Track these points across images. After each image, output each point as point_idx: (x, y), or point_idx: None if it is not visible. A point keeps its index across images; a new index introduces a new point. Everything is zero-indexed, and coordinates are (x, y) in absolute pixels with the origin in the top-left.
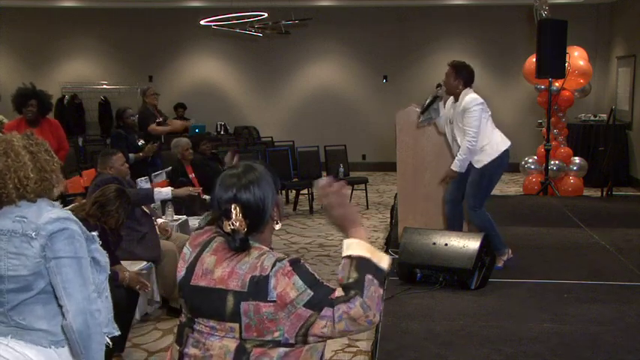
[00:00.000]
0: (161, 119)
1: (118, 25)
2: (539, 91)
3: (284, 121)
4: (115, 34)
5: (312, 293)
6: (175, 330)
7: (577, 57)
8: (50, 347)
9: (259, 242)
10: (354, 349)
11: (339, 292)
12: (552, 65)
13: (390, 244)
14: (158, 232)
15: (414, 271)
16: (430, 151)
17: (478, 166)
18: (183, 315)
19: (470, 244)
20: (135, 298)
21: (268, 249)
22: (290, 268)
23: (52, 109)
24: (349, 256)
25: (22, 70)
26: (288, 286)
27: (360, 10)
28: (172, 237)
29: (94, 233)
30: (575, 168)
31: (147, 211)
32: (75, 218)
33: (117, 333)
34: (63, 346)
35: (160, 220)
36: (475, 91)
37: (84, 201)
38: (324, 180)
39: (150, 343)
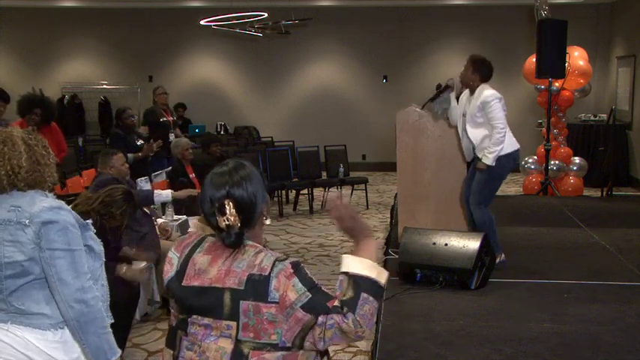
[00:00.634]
0: (169, 119)
1: (118, 25)
2: (539, 91)
3: (284, 121)
4: (115, 34)
5: (311, 296)
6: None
7: (577, 57)
8: (49, 330)
9: (252, 239)
10: (354, 349)
11: (337, 302)
12: (552, 65)
13: (390, 244)
14: (158, 232)
15: (414, 271)
16: (430, 151)
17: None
18: (173, 318)
19: (470, 244)
20: (135, 298)
21: (263, 247)
22: (292, 271)
23: (55, 114)
24: (347, 273)
25: (22, 70)
26: (288, 288)
27: (360, 10)
28: (172, 237)
29: (89, 221)
30: (575, 168)
31: (147, 211)
32: (68, 207)
33: (110, 321)
34: (62, 328)
35: (160, 221)
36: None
37: (90, 194)
38: (334, 193)
39: (150, 343)
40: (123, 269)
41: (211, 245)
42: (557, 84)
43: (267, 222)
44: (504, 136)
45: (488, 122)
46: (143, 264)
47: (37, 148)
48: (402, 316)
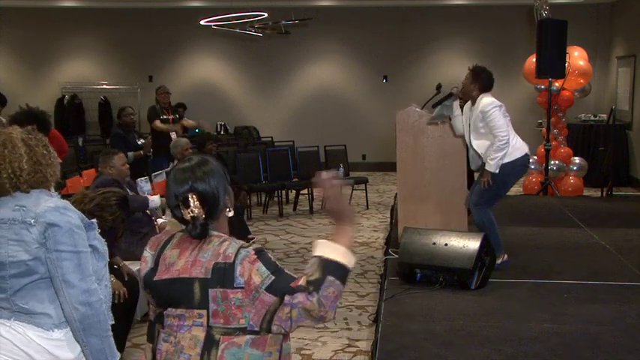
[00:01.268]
0: (169, 117)
1: (118, 25)
2: (539, 91)
3: (284, 121)
4: (115, 34)
5: (274, 278)
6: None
7: (577, 57)
8: (53, 330)
9: (217, 229)
10: (354, 349)
11: (301, 282)
12: (552, 65)
13: (390, 244)
14: (158, 232)
15: (414, 271)
16: (430, 151)
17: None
18: (152, 313)
19: (470, 244)
20: (135, 298)
21: (228, 236)
22: (255, 257)
23: (50, 126)
24: (318, 257)
25: (22, 70)
26: (253, 273)
27: (360, 10)
28: None
29: (93, 220)
30: (575, 168)
31: (147, 211)
32: (73, 208)
33: (111, 322)
34: (65, 327)
35: (160, 220)
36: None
37: (87, 193)
38: (326, 173)
39: None
40: (120, 262)
41: (180, 239)
42: (557, 84)
43: (230, 214)
44: (506, 143)
45: (490, 131)
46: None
47: (38, 148)
48: (402, 316)
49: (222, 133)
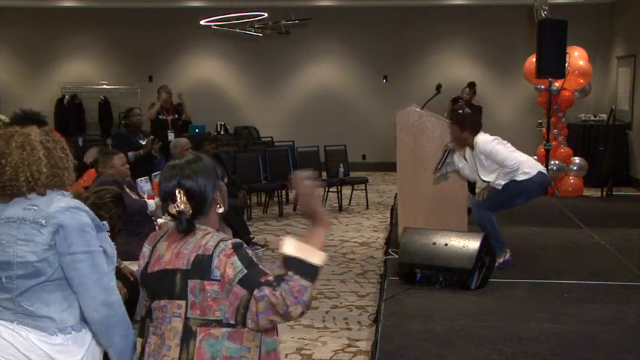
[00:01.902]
0: (167, 118)
1: (118, 25)
2: (539, 91)
3: (284, 121)
4: (115, 34)
5: (246, 272)
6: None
7: (577, 57)
8: (56, 334)
9: (206, 224)
10: (354, 349)
11: (271, 277)
12: (552, 65)
13: (390, 244)
14: None
15: (414, 271)
16: (430, 151)
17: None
18: (143, 309)
19: (470, 244)
20: (135, 298)
21: (213, 230)
22: (232, 250)
23: (46, 125)
24: (283, 254)
25: (22, 70)
26: (228, 266)
27: (360, 10)
28: None
29: (104, 222)
30: (575, 168)
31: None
32: (85, 207)
33: None
34: (69, 333)
35: (160, 220)
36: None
37: (81, 192)
38: (303, 173)
39: None
40: (121, 264)
41: (170, 233)
42: (557, 84)
43: (220, 210)
44: (516, 170)
45: (499, 165)
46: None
47: (56, 151)
48: (402, 316)
49: (222, 133)
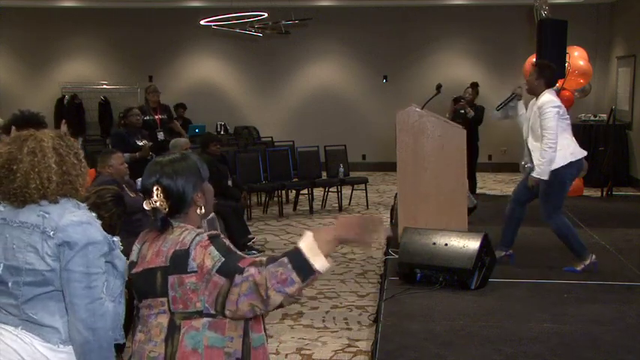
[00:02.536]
0: (156, 117)
1: (118, 25)
2: None
3: (284, 121)
4: (115, 34)
5: (224, 260)
6: None
7: (577, 57)
8: (58, 345)
9: (185, 222)
10: (354, 349)
11: (252, 260)
12: None
13: (390, 244)
14: None
15: (414, 271)
16: (430, 151)
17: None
18: (135, 309)
19: (470, 244)
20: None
21: (192, 227)
22: (208, 241)
23: (45, 126)
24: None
25: (22, 70)
26: (205, 256)
27: (360, 10)
28: None
29: (116, 239)
30: None
31: None
32: (97, 223)
33: (122, 341)
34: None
35: None
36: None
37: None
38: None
39: None
40: None
41: (152, 233)
42: (557, 84)
43: (199, 211)
44: (553, 147)
45: (542, 132)
46: None
47: (69, 157)
48: (402, 316)
49: (222, 133)
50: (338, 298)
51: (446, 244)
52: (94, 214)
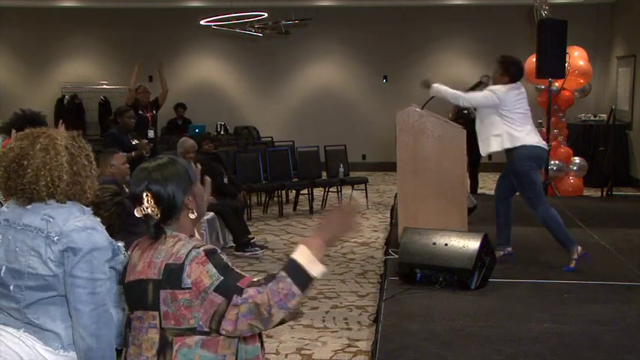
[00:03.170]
0: (147, 114)
1: (118, 25)
2: (539, 91)
3: (284, 121)
4: (115, 34)
5: (222, 278)
6: None
7: (577, 57)
8: (59, 350)
9: (177, 230)
10: (354, 349)
11: (250, 280)
12: (552, 65)
13: (390, 244)
14: None
15: (414, 271)
16: (430, 151)
17: (483, 151)
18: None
19: (470, 244)
20: None
21: (185, 236)
22: (205, 258)
23: (45, 125)
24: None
25: (22, 70)
26: (202, 274)
27: (360, 10)
28: None
29: (120, 244)
30: (575, 168)
31: None
32: (102, 228)
33: (118, 347)
34: (74, 350)
35: None
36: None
37: None
38: (352, 206)
39: None
40: None
41: (143, 241)
42: (557, 84)
43: (192, 216)
44: (456, 101)
45: (497, 114)
46: None
47: (80, 158)
48: (402, 316)
49: (222, 133)
50: (338, 298)
51: (446, 244)
52: (98, 219)
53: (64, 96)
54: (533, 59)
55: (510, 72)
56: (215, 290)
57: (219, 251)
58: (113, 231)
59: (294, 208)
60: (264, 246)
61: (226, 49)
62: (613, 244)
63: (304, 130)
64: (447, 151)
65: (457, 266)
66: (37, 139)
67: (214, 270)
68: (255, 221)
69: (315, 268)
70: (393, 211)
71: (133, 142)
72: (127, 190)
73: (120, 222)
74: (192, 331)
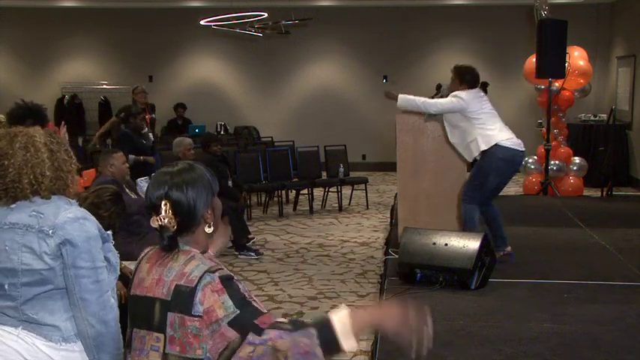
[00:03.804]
0: (145, 116)
1: (118, 25)
2: (539, 91)
3: (284, 121)
4: (115, 34)
5: (239, 312)
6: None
7: (577, 57)
8: (60, 343)
9: (191, 244)
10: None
11: (269, 319)
12: (552, 65)
13: (390, 244)
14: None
15: (414, 271)
16: (430, 151)
17: (469, 157)
18: (127, 335)
19: (470, 244)
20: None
21: (198, 252)
22: (221, 286)
23: (47, 119)
24: (328, 315)
25: (22, 70)
26: (216, 304)
27: (360, 10)
28: None
29: (109, 232)
30: (575, 168)
31: None
32: (92, 217)
33: None
34: (74, 341)
35: None
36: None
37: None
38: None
39: None
40: (121, 265)
41: (154, 252)
42: (557, 84)
43: (209, 230)
44: (426, 109)
45: (465, 120)
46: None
47: (60, 153)
48: None
49: (222, 133)
50: (338, 298)
51: (446, 244)
52: (85, 210)
53: (64, 96)
54: (533, 59)
55: (467, 80)
56: (229, 324)
57: (235, 278)
58: (113, 231)
59: (294, 208)
60: (260, 252)
61: (226, 49)
62: (613, 244)
63: (304, 130)
64: (446, 151)
65: (457, 266)
66: (15, 137)
67: (230, 302)
68: (255, 221)
69: (347, 342)
70: (393, 211)
71: (144, 142)
72: (127, 190)
73: (119, 221)
74: None
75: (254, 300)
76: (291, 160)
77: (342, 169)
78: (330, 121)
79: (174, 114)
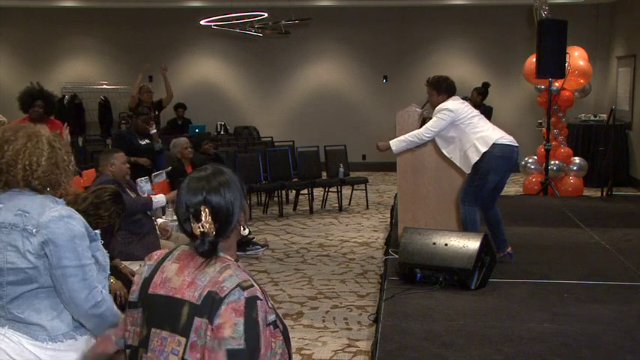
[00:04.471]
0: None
1: (118, 25)
2: (539, 91)
3: (284, 121)
4: (115, 34)
5: (243, 346)
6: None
7: (577, 57)
8: (47, 342)
9: (224, 250)
10: (354, 349)
11: None
12: (552, 65)
13: (390, 244)
14: (158, 233)
15: (414, 271)
16: (430, 151)
17: (467, 168)
18: (136, 337)
19: (470, 244)
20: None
21: (232, 260)
22: (243, 308)
23: (55, 107)
24: None
25: (22, 70)
26: (228, 323)
27: (360, 10)
28: (172, 237)
29: (97, 231)
30: (575, 168)
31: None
32: (78, 216)
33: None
34: (61, 341)
35: (159, 221)
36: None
37: (79, 193)
38: None
39: None
40: (121, 264)
41: (182, 253)
42: (557, 84)
43: (245, 232)
44: (423, 140)
45: (457, 130)
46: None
47: (60, 151)
48: (402, 316)
49: (222, 133)
50: (338, 298)
51: (446, 244)
52: (71, 209)
53: (64, 96)
54: (533, 59)
55: (444, 88)
56: (228, 353)
57: (261, 300)
58: (113, 230)
59: (294, 208)
60: (266, 244)
61: (226, 49)
62: (613, 244)
63: (304, 130)
64: None
65: (457, 266)
66: (22, 129)
67: (242, 328)
68: (255, 221)
69: None
70: (393, 211)
71: (142, 143)
72: (127, 189)
73: (120, 221)
74: None
75: (263, 333)
76: (291, 160)
77: (342, 169)
78: (330, 121)
79: (175, 114)
